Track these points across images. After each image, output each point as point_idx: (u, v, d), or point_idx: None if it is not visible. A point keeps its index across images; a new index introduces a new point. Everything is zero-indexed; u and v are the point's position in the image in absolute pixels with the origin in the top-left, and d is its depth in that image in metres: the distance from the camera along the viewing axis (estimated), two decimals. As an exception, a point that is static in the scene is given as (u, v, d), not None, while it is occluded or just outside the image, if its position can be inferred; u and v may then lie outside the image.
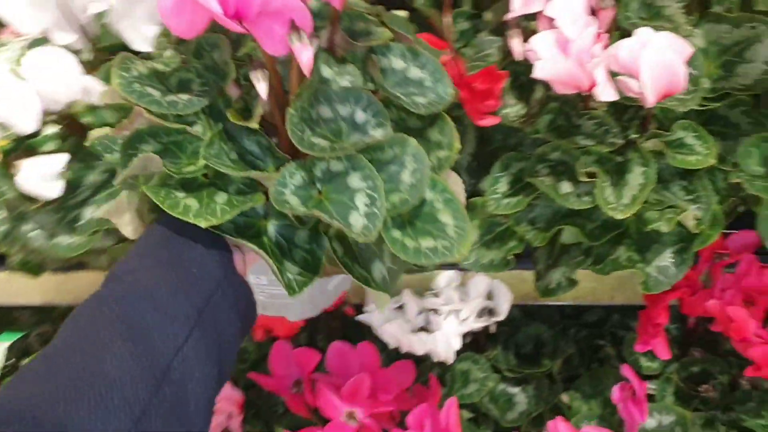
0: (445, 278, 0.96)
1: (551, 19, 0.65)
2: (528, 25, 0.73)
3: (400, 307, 0.99)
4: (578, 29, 0.63)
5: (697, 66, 0.73)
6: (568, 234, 0.79)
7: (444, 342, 0.96)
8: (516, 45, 0.73)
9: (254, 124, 0.57)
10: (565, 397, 1.04)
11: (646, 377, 1.03)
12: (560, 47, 0.64)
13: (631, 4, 0.77)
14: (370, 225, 0.54)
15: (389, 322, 0.96)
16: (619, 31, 0.74)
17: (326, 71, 0.61)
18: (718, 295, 0.86)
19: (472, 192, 0.80)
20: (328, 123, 0.58)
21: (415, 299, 0.97)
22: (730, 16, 0.76)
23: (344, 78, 0.61)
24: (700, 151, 0.74)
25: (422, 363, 1.00)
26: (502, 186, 0.79)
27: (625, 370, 0.87)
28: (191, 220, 0.54)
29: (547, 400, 1.02)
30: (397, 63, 0.62)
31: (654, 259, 0.78)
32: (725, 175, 0.77)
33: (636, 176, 0.74)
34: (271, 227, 0.59)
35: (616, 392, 0.88)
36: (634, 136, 0.76)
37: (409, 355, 0.97)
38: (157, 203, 0.54)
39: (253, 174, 0.57)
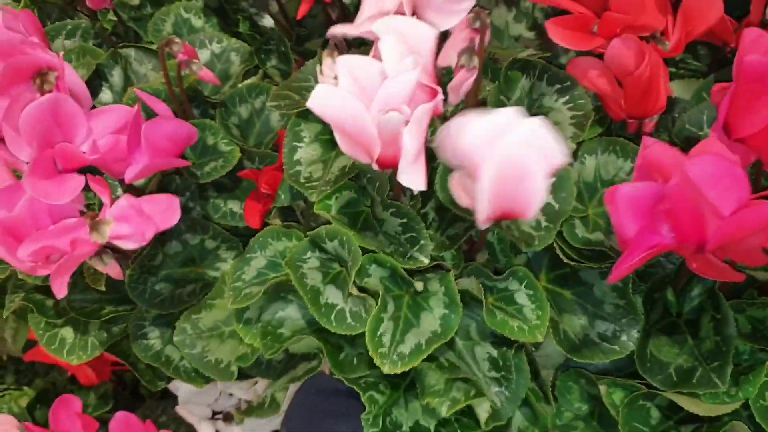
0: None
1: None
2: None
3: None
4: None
5: (563, 198, 0.51)
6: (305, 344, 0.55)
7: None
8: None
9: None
10: None
11: None
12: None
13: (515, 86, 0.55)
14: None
15: (193, 401, 0.77)
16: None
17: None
18: None
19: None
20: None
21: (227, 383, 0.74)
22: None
23: None
24: (529, 319, 0.51)
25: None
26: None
27: None
28: None
29: None
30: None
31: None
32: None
33: (432, 319, 0.51)
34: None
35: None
36: (452, 261, 0.53)
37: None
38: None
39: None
